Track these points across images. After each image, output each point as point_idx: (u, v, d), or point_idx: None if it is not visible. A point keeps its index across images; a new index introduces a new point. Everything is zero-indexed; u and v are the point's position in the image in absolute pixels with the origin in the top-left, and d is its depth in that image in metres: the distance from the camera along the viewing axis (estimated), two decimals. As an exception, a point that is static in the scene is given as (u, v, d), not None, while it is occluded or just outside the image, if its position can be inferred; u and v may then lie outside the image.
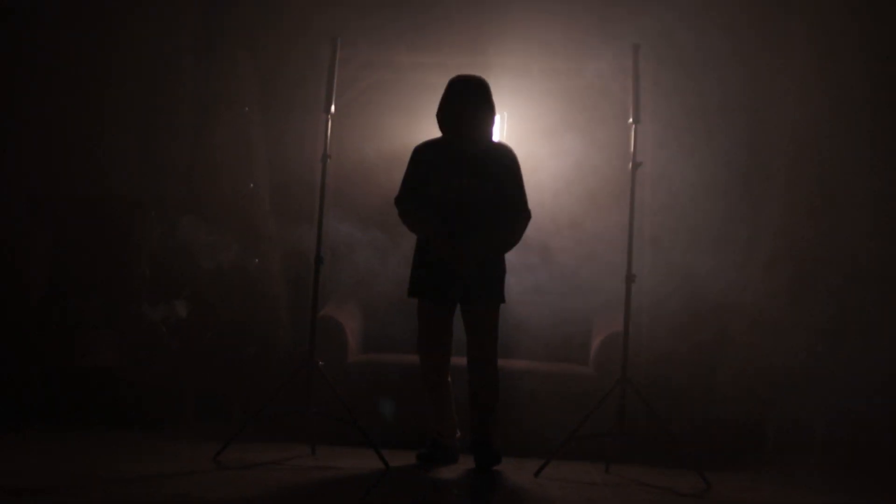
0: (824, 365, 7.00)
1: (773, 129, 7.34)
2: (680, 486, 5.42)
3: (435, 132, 5.93)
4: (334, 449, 6.14)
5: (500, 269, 5.81)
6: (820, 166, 7.18)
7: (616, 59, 7.43)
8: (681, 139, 7.33)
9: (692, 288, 7.14)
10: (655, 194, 7.44)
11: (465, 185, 5.70)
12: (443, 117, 5.79)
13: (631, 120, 5.98)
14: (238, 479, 5.09)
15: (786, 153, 7.25)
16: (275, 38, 7.89)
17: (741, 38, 7.44)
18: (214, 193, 7.61)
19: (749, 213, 7.35)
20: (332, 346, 6.90)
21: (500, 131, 7.39)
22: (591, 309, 7.54)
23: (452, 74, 5.94)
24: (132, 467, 5.21)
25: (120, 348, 7.06)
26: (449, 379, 5.96)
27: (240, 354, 7.47)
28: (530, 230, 5.96)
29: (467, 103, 5.73)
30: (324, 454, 6.02)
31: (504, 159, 5.80)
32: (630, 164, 5.97)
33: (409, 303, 6.36)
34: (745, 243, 7.31)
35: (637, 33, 6.75)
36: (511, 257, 6.07)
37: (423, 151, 5.86)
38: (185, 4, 7.77)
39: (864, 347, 6.99)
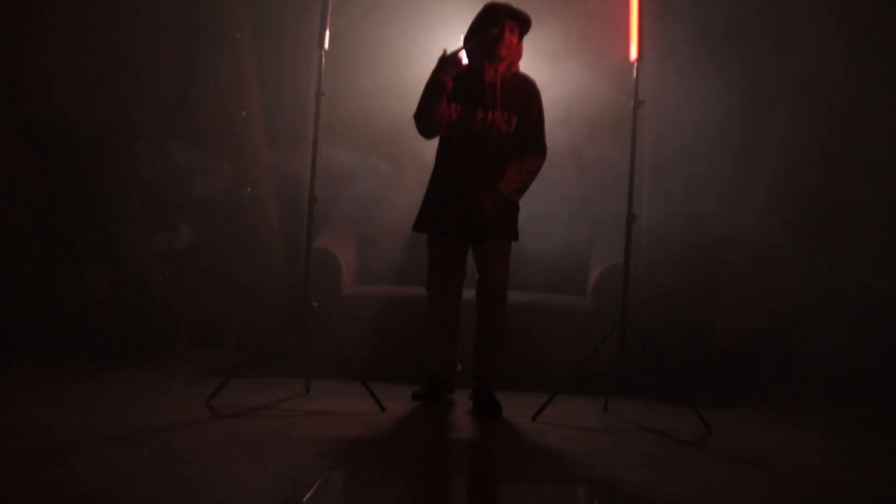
0: (824, 299, 6.91)
1: (780, 59, 7.12)
2: (680, 430, 5.31)
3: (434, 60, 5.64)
4: (329, 385, 6.06)
5: (513, 206, 5.59)
6: (827, 99, 6.97)
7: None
8: (685, 72, 7.09)
9: (692, 223, 7.01)
10: (657, 129, 7.18)
11: (489, 118, 5.49)
12: (471, 42, 5.54)
13: (633, 56, 5.73)
14: (232, 430, 4.91)
15: (793, 85, 7.00)
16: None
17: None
18: (206, 121, 7.41)
19: (753, 148, 7.16)
20: (326, 278, 6.82)
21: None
22: (589, 238, 7.44)
23: None
24: (124, 417, 5.07)
25: (111, 281, 6.85)
26: (458, 312, 5.80)
27: (233, 284, 7.34)
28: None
29: (507, 31, 5.49)
30: (319, 393, 5.93)
31: (530, 94, 5.58)
32: (632, 102, 5.71)
33: (406, 233, 6.41)
34: (747, 178, 7.14)
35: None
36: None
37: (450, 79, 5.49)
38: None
39: (864, 284, 6.90)
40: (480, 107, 5.46)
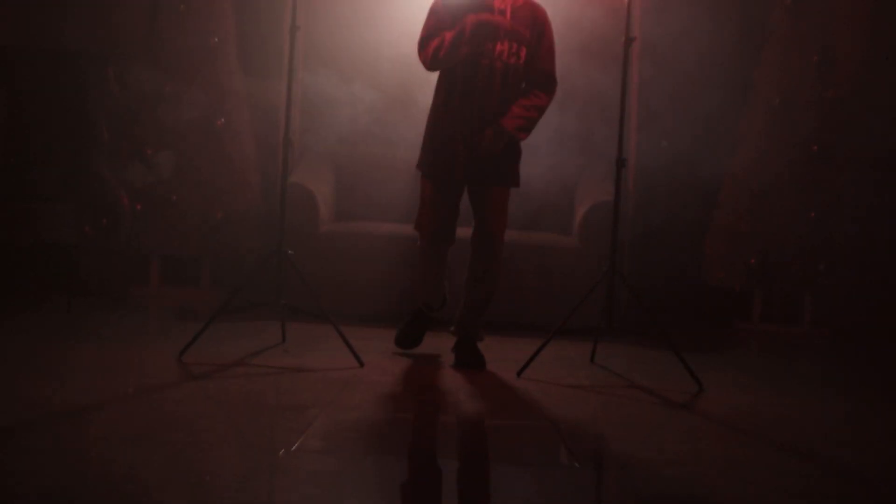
0: (817, 237, 6.69)
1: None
2: (671, 390, 5.03)
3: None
4: (307, 331, 5.83)
5: (515, 149, 5.23)
6: (822, 31, 6.74)
7: None
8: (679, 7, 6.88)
9: (683, 160, 6.83)
10: (650, 62, 6.85)
11: (496, 49, 5.06)
12: None
13: None
14: (202, 392, 4.62)
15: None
16: None
17: None
18: (177, 48, 7.07)
19: (747, 84, 7.01)
20: (303, 216, 6.56)
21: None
22: (575, 171, 7.14)
23: None
24: (90, 380, 4.72)
25: (79, 219, 6.52)
26: (447, 253, 5.50)
27: (208, 219, 7.07)
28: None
29: None
30: (296, 341, 5.67)
31: (540, 23, 5.14)
32: (623, 39, 5.37)
33: (387, 165, 6.56)
34: (740, 117, 7.00)
35: None
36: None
37: (446, 6, 5.11)
38: None
39: (859, 226, 6.76)
40: (489, 37, 5.02)
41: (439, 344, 5.69)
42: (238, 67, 7.17)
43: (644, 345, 5.82)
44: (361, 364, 5.21)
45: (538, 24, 5.11)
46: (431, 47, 5.06)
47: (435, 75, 5.27)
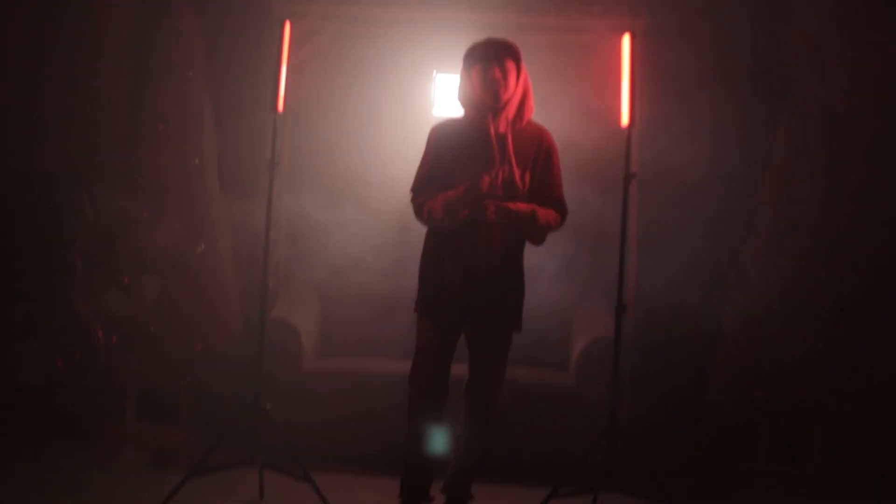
0: (826, 369, 6.33)
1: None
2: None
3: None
4: (287, 486, 5.26)
5: (518, 289, 4.76)
6: (829, 154, 6.42)
7: (604, 16, 6.81)
8: (676, 140, 6.64)
9: (683, 290, 6.50)
10: (646, 192, 6.64)
11: (498, 179, 4.59)
12: (465, 91, 4.65)
13: (625, 123, 5.03)
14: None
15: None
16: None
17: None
18: (156, 170, 6.73)
19: (750, 210, 6.67)
20: (285, 353, 6.18)
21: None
22: (572, 299, 6.74)
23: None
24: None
25: (51, 355, 6.11)
26: (443, 407, 4.87)
27: (186, 352, 6.70)
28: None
29: (496, 70, 4.56)
30: (275, 496, 5.27)
31: (546, 147, 4.70)
32: (623, 175, 5.07)
33: (377, 298, 6.31)
34: (743, 241, 6.65)
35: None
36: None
37: (442, 134, 4.70)
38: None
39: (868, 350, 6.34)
40: (486, 168, 4.57)
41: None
42: (219, 190, 6.84)
43: (647, 496, 5.38)
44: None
45: (544, 149, 4.68)
46: (425, 210, 4.65)
47: None
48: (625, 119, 5.12)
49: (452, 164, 4.61)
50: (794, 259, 6.40)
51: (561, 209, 4.78)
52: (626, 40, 5.18)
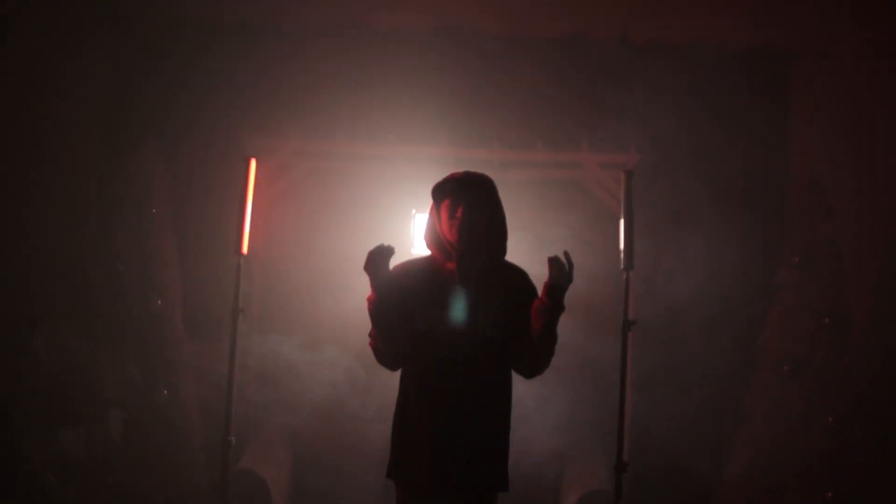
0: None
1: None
2: None
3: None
4: None
5: (503, 440, 3.94)
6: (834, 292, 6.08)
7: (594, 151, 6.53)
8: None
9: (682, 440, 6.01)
10: (644, 341, 6.13)
11: (466, 323, 3.89)
12: (431, 229, 3.96)
13: (623, 266, 4.55)
14: None
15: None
16: (189, 127, 6.66)
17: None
18: (115, 311, 6.23)
19: (752, 349, 6.33)
20: (253, 507, 5.61)
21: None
22: (561, 446, 6.25)
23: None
24: None
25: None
26: None
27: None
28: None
29: (465, 207, 3.88)
30: None
31: (519, 286, 3.98)
32: (622, 322, 4.57)
33: (351, 450, 5.79)
34: (744, 384, 6.28)
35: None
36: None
37: (402, 275, 3.98)
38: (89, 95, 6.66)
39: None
40: (452, 309, 3.90)
41: None
42: (184, 333, 6.34)
43: None
44: None
45: (516, 285, 3.98)
46: (373, 347, 3.99)
47: None
48: (624, 262, 4.65)
49: (411, 308, 3.94)
50: (800, 403, 5.89)
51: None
52: (623, 179, 4.76)
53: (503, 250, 3.99)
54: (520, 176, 6.60)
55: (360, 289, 4.36)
